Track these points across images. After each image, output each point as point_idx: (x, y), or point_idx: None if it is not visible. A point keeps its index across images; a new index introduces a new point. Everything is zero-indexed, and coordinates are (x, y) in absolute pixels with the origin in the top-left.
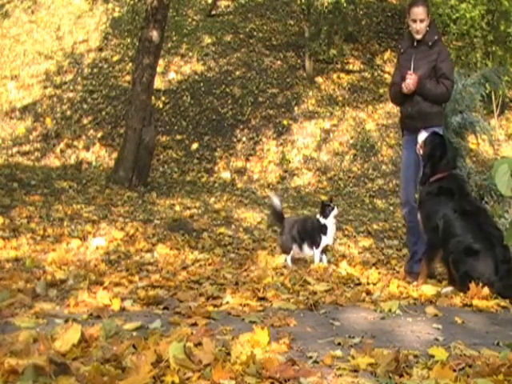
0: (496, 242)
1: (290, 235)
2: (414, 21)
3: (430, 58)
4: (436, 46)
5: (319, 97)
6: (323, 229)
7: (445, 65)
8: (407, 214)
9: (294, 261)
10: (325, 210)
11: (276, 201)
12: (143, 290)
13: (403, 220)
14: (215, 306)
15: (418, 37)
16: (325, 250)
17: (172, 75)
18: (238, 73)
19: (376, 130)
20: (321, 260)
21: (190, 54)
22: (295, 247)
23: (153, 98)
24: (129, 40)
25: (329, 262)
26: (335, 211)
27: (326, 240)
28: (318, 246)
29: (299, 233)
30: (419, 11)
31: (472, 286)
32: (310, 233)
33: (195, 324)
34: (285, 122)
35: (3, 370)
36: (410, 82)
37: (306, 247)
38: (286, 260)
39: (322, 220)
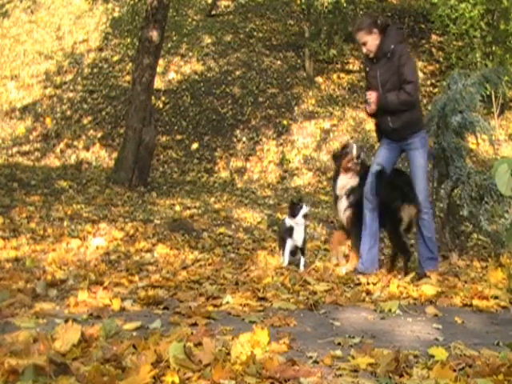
0: None
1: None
2: (360, 45)
3: (392, 68)
4: (395, 54)
5: (319, 97)
6: (289, 231)
7: (405, 68)
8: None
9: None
10: (293, 209)
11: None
12: (143, 290)
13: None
14: (215, 305)
15: (371, 55)
16: (295, 252)
17: (172, 75)
18: (238, 73)
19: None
20: (298, 264)
21: (190, 53)
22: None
23: (153, 97)
24: (129, 40)
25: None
26: (304, 210)
27: (291, 242)
28: (283, 248)
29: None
30: (359, 37)
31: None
32: (280, 234)
33: (195, 324)
34: (285, 122)
35: (3, 370)
36: (370, 100)
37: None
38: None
39: (288, 221)
